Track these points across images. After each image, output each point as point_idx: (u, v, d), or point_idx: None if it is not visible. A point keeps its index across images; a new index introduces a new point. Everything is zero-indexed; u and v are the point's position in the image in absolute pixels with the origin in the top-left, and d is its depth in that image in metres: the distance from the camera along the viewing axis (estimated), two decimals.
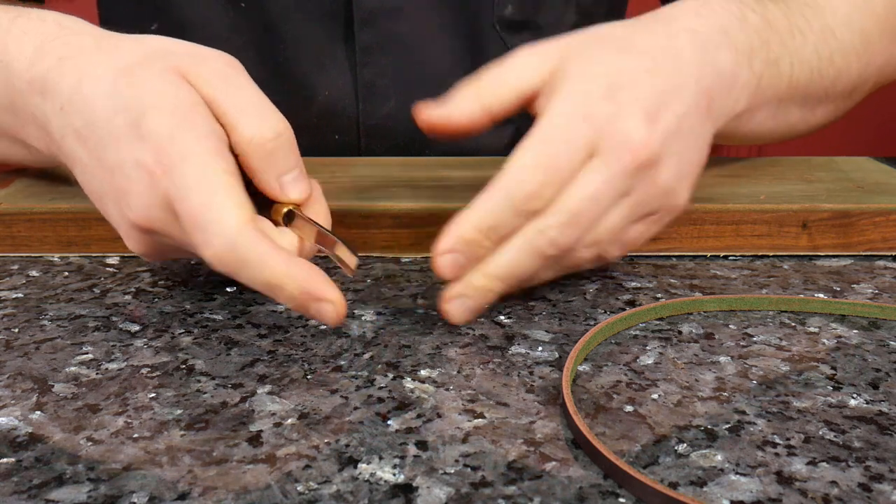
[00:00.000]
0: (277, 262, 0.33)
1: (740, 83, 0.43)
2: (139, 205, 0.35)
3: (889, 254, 0.47)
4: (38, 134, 0.41)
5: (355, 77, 0.64)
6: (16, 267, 0.46)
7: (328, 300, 0.33)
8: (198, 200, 0.33)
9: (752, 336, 0.37)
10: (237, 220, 0.33)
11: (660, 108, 0.37)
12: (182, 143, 0.34)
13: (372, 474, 0.27)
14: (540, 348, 0.36)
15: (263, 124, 0.36)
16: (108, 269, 0.46)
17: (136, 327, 0.38)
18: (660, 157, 0.37)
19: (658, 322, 0.39)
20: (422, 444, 0.28)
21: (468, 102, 0.39)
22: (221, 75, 0.37)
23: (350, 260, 0.37)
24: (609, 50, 0.39)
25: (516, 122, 0.56)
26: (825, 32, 0.51)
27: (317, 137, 0.65)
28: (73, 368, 0.34)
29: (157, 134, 0.34)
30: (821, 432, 0.29)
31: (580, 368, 0.34)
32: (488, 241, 0.36)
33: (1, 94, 0.42)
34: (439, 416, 0.30)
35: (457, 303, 0.37)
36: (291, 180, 0.37)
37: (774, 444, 0.28)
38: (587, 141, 0.36)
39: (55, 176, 0.53)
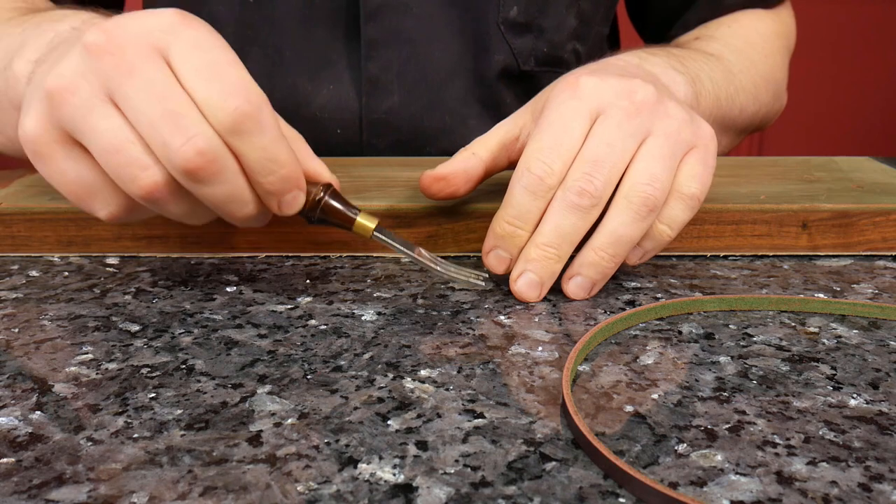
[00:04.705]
0: (287, 143, 0.36)
1: (679, 80, 0.52)
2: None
3: (889, 254, 0.47)
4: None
5: (359, 71, 0.64)
6: (16, 267, 0.46)
7: (303, 189, 0.37)
8: (224, 58, 0.34)
9: (752, 336, 0.37)
10: (262, 91, 0.34)
11: (636, 70, 0.43)
12: (203, 21, 0.36)
13: (372, 474, 0.26)
14: (540, 348, 0.36)
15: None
16: (107, 269, 0.46)
17: (136, 327, 0.38)
18: (659, 95, 0.40)
19: (658, 322, 0.39)
20: (422, 444, 0.28)
21: (461, 153, 0.43)
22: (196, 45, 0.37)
23: (367, 226, 0.41)
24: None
25: None
26: (728, 73, 0.62)
27: (319, 131, 0.65)
28: (73, 368, 0.34)
29: (177, 10, 0.36)
30: (821, 432, 0.29)
31: (580, 368, 0.34)
32: (522, 230, 0.40)
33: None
34: (439, 416, 0.30)
35: (522, 280, 0.40)
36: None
37: (774, 444, 0.28)
38: (585, 112, 0.40)
39: None
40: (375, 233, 0.40)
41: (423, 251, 0.42)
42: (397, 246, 0.41)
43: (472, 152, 0.43)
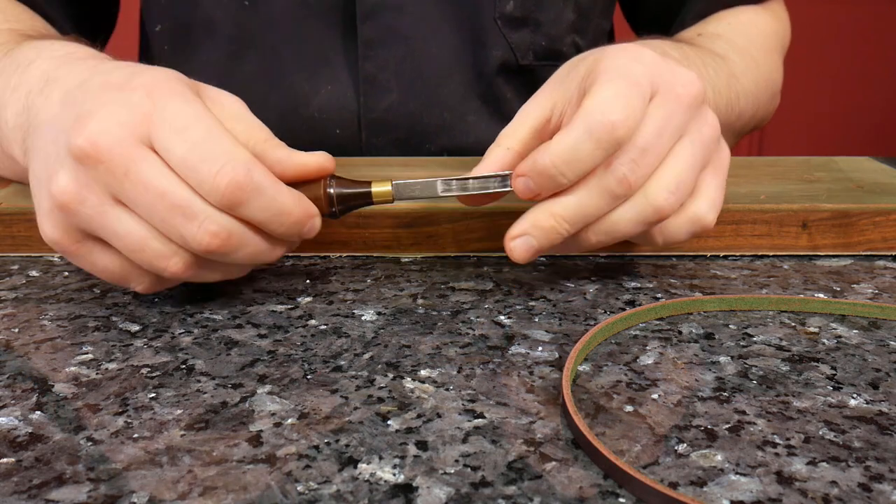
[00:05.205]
0: (285, 189, 0.36)
1: None
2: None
3: (889, 254, 0.47)
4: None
5: (357, 71, 0.64)
6: (16, 267, 0.46)
7: (316, 215, 0.38)
8: (203, 133, 0.34)
9: (752, 336, 0.37)
10: (247, 152, 0.35)
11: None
12: (172, 84, 0.36)
13: (372, 474, 0.27)
14: (540, 348, 0.36)
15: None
16: None
17: (136, 327, 0.38)
18: (705, 93, 0.39)
19: (658, 322, 0.39)
20: (422, 444, 0.28)
21: (493, 151, 0.40)
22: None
23: (386, 190, 0.40)
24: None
25: None
26: (731, 76, 0.62)
27: (318, 132, 0.65)
28: (73, 368, 0.34)
29: (144, 81, 0.36)
30: (821, 432, 0.29)
31: (580, 368, 0.34)
32: (565, 178, 0.36)
33: None
34: (439, 416, 0.30)
35: (521, 241, 0.38)
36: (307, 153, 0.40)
37: (774, 444, 0.28)
38: (647, 81, 0.37)
39: None
40: (396, 199, 0.40)
41: (444, 181, 0.39)
42: (423, 196, 0.39)
43: (505, 147, 0.39)
